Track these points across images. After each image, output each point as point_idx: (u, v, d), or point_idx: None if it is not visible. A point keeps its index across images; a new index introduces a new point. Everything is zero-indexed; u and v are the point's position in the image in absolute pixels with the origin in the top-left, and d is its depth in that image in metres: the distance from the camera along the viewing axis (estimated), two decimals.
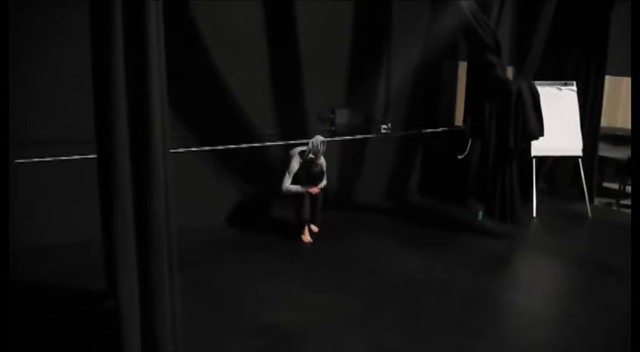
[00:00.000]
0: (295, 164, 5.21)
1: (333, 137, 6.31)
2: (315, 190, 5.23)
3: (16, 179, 4.31)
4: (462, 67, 7.02)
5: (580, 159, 6.51)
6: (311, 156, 5.12)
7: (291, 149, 5.40)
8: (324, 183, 5.36)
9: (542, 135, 5.50)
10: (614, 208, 6.89)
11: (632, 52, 3.18)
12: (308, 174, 5.18)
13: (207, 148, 5.48)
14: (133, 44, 2.12)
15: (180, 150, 5.13)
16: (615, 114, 7.84)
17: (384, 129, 6.72)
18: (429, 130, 7.09)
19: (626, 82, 7.48)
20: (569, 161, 6.84)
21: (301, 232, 5.32)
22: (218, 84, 5.48)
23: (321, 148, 5.14)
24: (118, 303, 2.20)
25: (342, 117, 6.36)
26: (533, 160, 6.41)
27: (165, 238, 2.25)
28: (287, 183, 5.19)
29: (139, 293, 2.23)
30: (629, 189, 7.18)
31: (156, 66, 2.16)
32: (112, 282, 2.67)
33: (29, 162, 4.54)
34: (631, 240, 2.63)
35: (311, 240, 5.31)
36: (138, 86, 2.14)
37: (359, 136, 6.52)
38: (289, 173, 5.20)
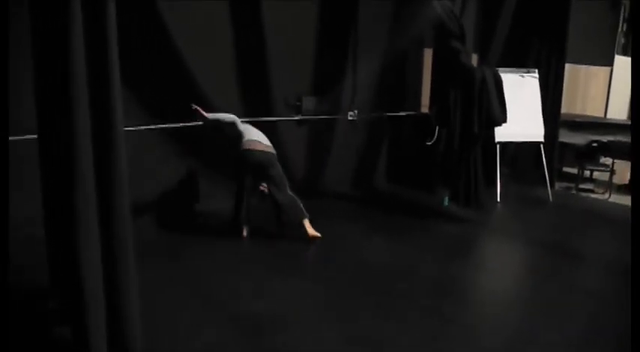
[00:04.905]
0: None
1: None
2: None
3: None
4: (428, 54, 7.06)
5: (542, 145, 6.67)
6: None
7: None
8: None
9: (505, 121, 5.60)
10: (574, 192, 7.11)
11: (632, 49, 3.24)
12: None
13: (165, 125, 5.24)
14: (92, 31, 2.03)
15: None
16: (574, 101, 8.03)
17: (351, 116, 6.72)
18: (396, 115, 7.12)
19: (584, 70, 7.68)
20: (532, 146, 7.00)
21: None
22: (183, 70, 5.33)
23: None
24: (81, 299, 2.12)
25: (309, 104, 6.30)
26: (497, 146, 6.54)
27: (130, 230, 2.19)
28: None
29: (104, 288, 2.16)
30: (587, 173, 7.43)
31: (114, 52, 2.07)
32: (56, 280, 2.55)
33: None
34: (631, 239, 2.70)
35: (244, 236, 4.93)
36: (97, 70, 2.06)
37: (325, 118, 6.47)
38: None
